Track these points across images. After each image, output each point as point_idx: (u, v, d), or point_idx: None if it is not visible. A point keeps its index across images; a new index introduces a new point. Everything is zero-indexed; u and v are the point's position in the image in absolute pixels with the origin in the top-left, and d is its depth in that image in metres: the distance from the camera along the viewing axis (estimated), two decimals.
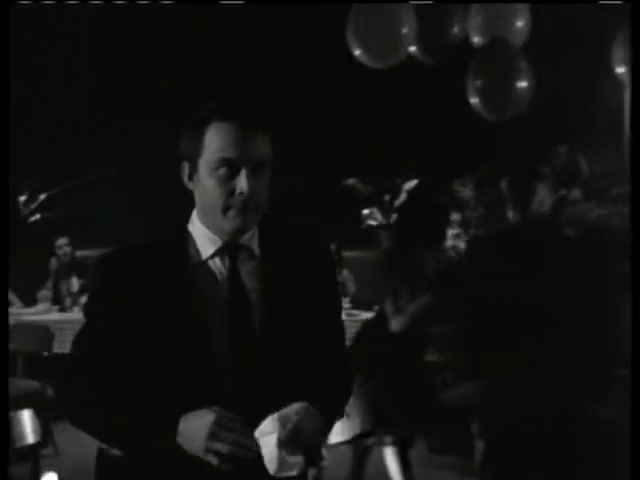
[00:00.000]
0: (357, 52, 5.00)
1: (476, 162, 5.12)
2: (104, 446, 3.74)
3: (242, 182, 1.53)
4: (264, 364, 1.55)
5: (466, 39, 5.11)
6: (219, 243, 1.59)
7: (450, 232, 4.47)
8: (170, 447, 1.46)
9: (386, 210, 5.69)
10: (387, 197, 5.87)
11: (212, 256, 1.60)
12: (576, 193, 5.02)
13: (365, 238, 4.55)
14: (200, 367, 1.53)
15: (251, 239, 1.63)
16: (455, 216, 4.85)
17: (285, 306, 1.60)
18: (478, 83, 5.00)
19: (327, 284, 1.71)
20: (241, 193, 1.52)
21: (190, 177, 1.59)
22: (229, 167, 1.53)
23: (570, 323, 3.90)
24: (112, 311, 1.55)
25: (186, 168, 1.59)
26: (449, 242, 4.25)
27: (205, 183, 1.55)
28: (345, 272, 5.55)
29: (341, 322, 1.76)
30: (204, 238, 1.60)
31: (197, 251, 1.60)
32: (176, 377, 1.53)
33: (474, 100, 5.01)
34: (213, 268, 1.60)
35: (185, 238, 1.62)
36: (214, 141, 1.54)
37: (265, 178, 1.57)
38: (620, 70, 4.89)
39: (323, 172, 5.44)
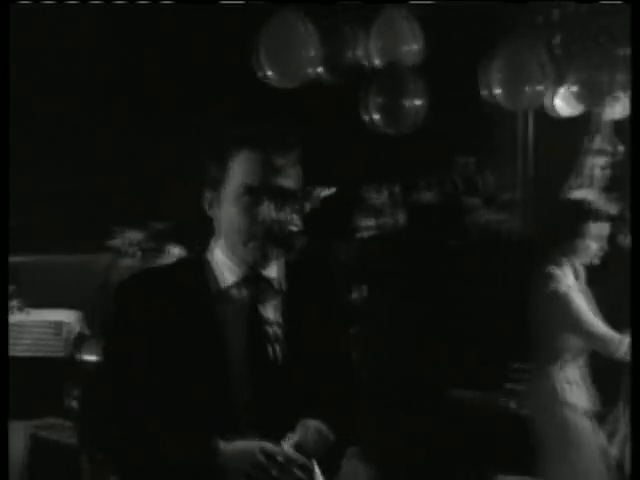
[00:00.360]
0: (268, 73, 5.42)
1: (389, 172, 5.63)
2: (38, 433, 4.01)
3: (265, 211, 1.51)
4: (282, 397, 1.53)
5: (367, 61, 5.62)
6: (239, 274, 1.57)
7: (357, 235, 4.93)
8: (203, 462, 1.46)
9: (303, 216, 6.01)
10: (305, 204, 6.20)
11: (231, 287, 1.57)
12: (476, 201, 5.56)
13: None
14: (218, 399, 1.51)
15: (274, 271, 1.59)
16: (369, 222, 5.27)
17: (303, 341, 1.57)
18: (378, 101, 5.51)
19: (342, 319, 1.71)
20: (264, 222, 1.50)
21: (211, 205, 1.59)
22: (253, 195, 1.51)
23: (465, 318, 4.35)
24: (133, 341, 1.54)
25: (208, 196, 1.59)
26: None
27: (228, 211, 1.53)
28: None
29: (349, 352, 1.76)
30: (224, 267, 1.58)
31: (216, 280, 1.57)
32: (194, 407, 1.51)
33: (375, 116, 5.51)
34: (232, 299, 1.57)
35: (204, 267, 1.59)
36: (240, 169, 1.52)
37: (292, 209, 1.55)
38: (484, 93, 5.45)
39: None
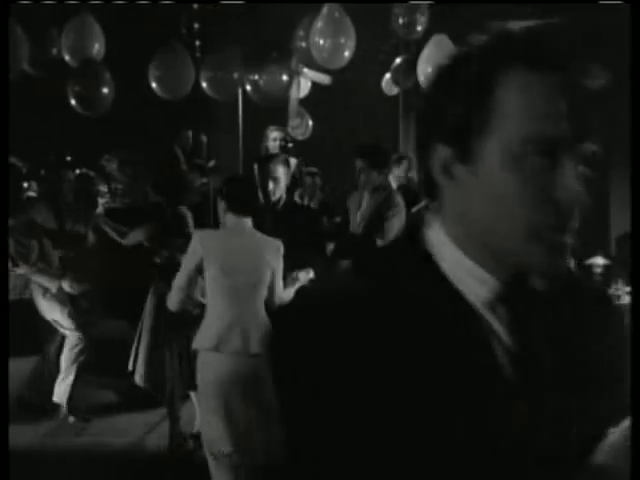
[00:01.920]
0: None
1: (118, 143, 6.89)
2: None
3: (569, 179, 0.86)
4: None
5: (63, 57, 6.85)
6: (494, 285, 0.94)
7: (100, 201, 6.38)
8: None
9: (42, 183, 6.77)
10: (42, 172, 7.08)
11: (484, 304, 0.94)
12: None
13: (25, 207, 6.10)
14: None
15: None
16: (103, 187, 6.42)
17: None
18: (76, 89, 7.01)
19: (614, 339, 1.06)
20: (568, 199, 0.86)
21: (446, 169, 0.92)
22: (547, 154, 0.86)
23: None
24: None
25: (442, 151, 0.92)
26: (99, 209, 6.01)
27: (493, 178, 0.87)
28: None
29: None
30: (465, 273, 0.94)
31: (454, 292, 0.94)
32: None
33: (74, 102, 7.08)
34: (482, 321, 0.93)
35: (425, 266, 0.95)
36: (520, 103, 0.86)
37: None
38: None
39: None
